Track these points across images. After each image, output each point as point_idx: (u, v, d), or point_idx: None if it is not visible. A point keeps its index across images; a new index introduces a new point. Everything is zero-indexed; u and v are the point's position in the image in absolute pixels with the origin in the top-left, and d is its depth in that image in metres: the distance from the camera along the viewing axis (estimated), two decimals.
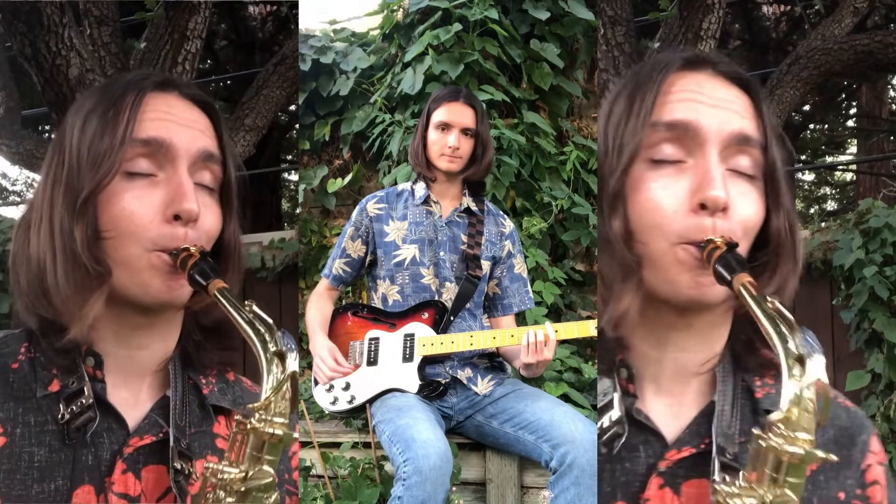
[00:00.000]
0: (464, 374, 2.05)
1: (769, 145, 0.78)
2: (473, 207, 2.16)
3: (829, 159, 9.03)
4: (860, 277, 2.68)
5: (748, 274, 0.70)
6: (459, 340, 2.00)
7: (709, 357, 0.80)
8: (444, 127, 2.09)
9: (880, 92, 7.20)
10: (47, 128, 6.33)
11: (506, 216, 2.26)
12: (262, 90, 3.77)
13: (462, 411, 2.05)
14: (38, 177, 0.86)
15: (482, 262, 2.12)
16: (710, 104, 0.77)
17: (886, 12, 5.48)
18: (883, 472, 0.82)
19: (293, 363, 0.71)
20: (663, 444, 0.79)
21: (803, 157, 8.19)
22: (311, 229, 3.52)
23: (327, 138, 3.57)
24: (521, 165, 3.07)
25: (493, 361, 2.12)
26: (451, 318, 2.09)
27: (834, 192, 9.76)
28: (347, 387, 2.08)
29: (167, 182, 0.81)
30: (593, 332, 1.88)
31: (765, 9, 6.81)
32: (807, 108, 7.50)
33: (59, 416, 0.78)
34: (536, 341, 1.88)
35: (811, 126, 8.33)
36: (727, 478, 0.70)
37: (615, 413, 0.78)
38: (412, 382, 2.02)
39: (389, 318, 2.11)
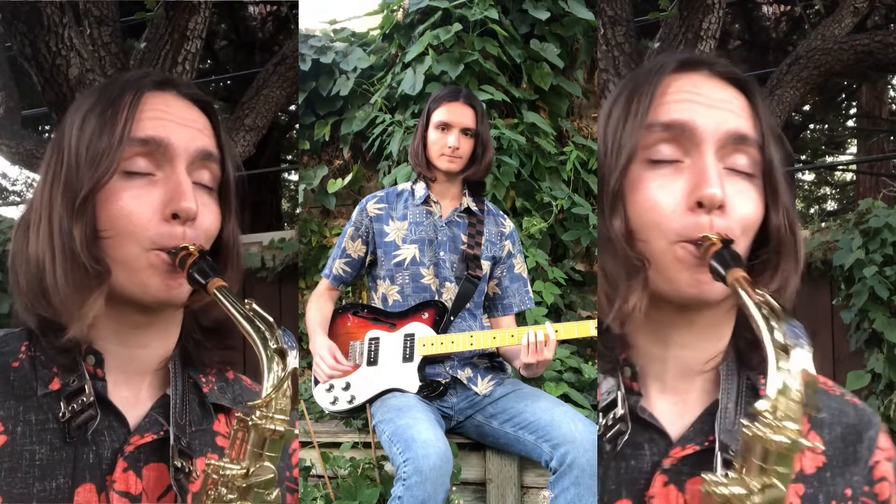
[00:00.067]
0: (464, 374, 2.06)
1: (766, 144, 0.79)
2: (473, 207, 2.16)
3: (829, 159, 9.03)
4: (860, 277, 2.68)
5: (743, 269, 0.70)
6: (459, 340, 2.01)
7: (712, 355, 0.81)
8: (444, 127, 2.09)
9: (880, 92, 7.20)
10: (47, 128, 6.33)
11: (506, 216, 2.26)
12: (262, 90, 3.77)
13: (462, 411, 2.05)
14: (38, 177, 0.86)
15: (482, 262, 2.12)
16: (706, 104, 0.78)
17: (886, 12, 5.48)
18: (891, 468, 0.82)
19: (294, 361, 0.71)
20: (668, 441, 0.79)
21: (803, 157, 8.19)
22: (311, 229, 3.52)
23: (327, 138, 3.57)
24: (521, 165, 3.07)
25: (493, 361, 2.12)
26: (451, 318, 2.09)
27: (834, 192, 9.77)
28: (347, 387, 2.08)
29: (165, 181, 0.81)
30: (593, 332, 1.88)
31: (765, 9, 6.81)
32: (807, 108, 7.50)
33: (60, 414, 0.78)
34: (536, 341, 1.88)
35: (811, 126, 8.33)
36: (729, 474, 0.70)
37: (619, 411, 0.78)
38: (412, 382, 2.02)
39: (389, 318, 2.12)
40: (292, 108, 5.00)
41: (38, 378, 0.80)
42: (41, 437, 0.78)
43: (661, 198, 0.76)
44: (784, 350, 0.64)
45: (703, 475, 0.68)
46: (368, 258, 2.17)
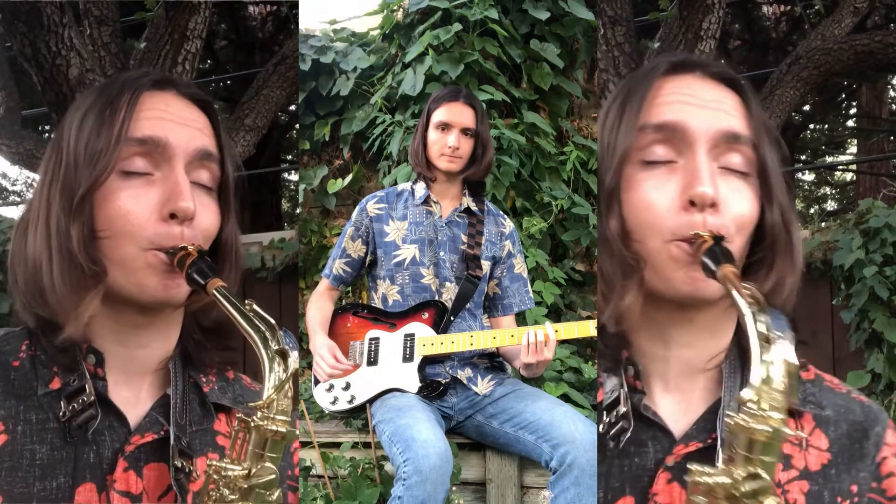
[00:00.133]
0: (464, 374, 2.06)
1: (760, 143, 0.80)
2: (473, 207, 2.16)
3: (829, 159, 9.03)
4: (860, 277, 2.68)
5: (733, 265, 0.71)
6: (459, 340, 2.01)
7: (714, 353, 0.81)
8: (444, 127, 2.09)
9: (880, 92, 7.21)
10: (47, 128, 6.33)
11: (506, 216, 2.26)
12: (262, 90, 3.77)
13: (462, 411, 2.05)
14: (38, 177, 0.86)
15: (482, 262, 2.12)
16: (698, 105, 0.79)
17: (886, 12, 5.49)
18: None
19: (294, 362, 0.71)
20: (671, 439, 0.80)
21: (803, 157, 8.20)
22: (311, 229, 3.52)
23: (327, 138, 3.58)
24: (521, 165, 3.08)
25: (493, 361, 2.13)
26: (452, 318, 2.09)
27: (834, 192, 9.77)
28: (347, 387, 2.08)
29: (163, 181, 0.81)
30: (593, 332, 1.88)
31: (765, 9, 6.81)
32: (807, 108, 7.50)
33: (61, 413, 0.78)
34: (536, 341, 1.88)
35: (811, 126, 8.33)
36: (719, 465, 0.71)
37: (621, 408, 0.79)
38: (412, 382, 2.02)
39: (389, 318, 2.12)
40: (292, 108, 5.00)
41: (38, 377, 0.80)
42: (42, 436, 0.78)
43: (655, 198, 0.77)
44: (767, 341, 0.66)
45: (689, 465, 0.69)
46: (368, 258, 2.17)
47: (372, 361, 2.09)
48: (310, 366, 2.22)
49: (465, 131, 2.09)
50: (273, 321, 0.73)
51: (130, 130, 0.80)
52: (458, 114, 2.09)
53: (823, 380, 0.86)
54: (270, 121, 3.94)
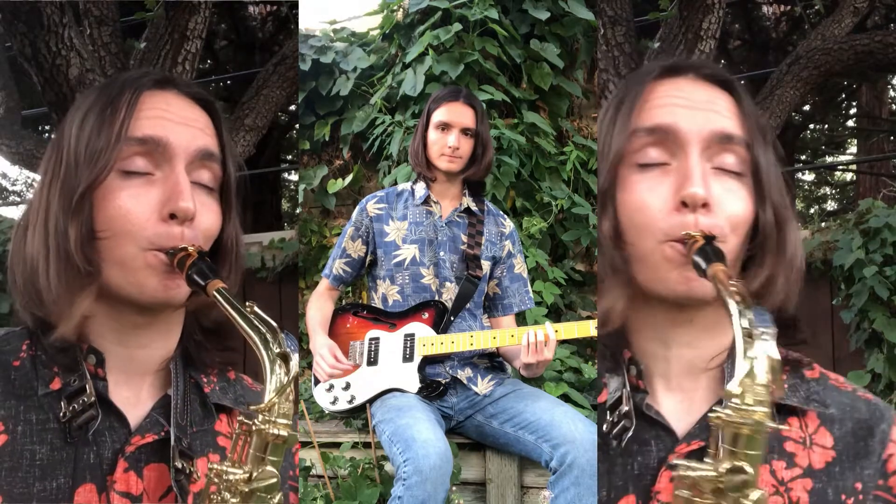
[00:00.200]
0: (464, 374, 2.06)
1: (753, 142, 0.81)
2: (473, 207, 2.16)
3: (829, 159, 9.04)
4: (860, 277, 2.68)
5: (723, 264, 0.72)
6: (459, 340, 2.01)
7: (715, 353, 0.82)
8: (444, 127, 2.09)
9: (880, 92, 7.21)
10: (47, 128, 6.33)
11: (506, 216, 2.26)
12: (262, 90, 3.77)
13: (462, 411, 2.05)
14: (38, 177, 0.86)
15: (482, 262, 2.12)
16: (690, 106, 0.80)
17: (886, 12, 5.49)
18: None
19: (295, 366, 0.71)
20: (674, 438, 0.80)
21: (803, 157, 8.20)
22: (311, 229, 3.53)
23: (327, 138, 3.58)
24: (521, 165, 3.08)
25: (493, 361, 2.13)
26: (452, 318, 2.09)
27: (834, 192, 9.77)
28: (347, 386, 2.08)
29: (164, 181, 0.81)
30: (593, 332, 1.88)
31: (765, 9, 6.81)
32: (807, 108, 7.50)
33: (61, 414, 0.78)
34: (536, 341, 1.88)
35: (811, 126, 8.33)
36: (706, 460, 0.71)
37: (623, 408, 0.80)
38: (412, 382, 2.02)
39: (389, 318, 2.12)
40: (292, 108, 5.00)
41: (38, 377, 0.80)
42: (42, 436, 0.78)
43: (649, 199, 0.78)
44: (751, 337, 0.67)
45: (674, 461, 0.70)
46: (368, 258, 2.17)
47: (372, 361, 2.09)
48: (310, 366, 2.23)
49: (465, 131, 2.09)
50: (274, 324, 0.73)
51: (131, 130, 0.80)
52: (458, 114, 2.09)
53: (829, 378, 0.86)
54: (270, 121, 3.94)
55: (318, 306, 2.19)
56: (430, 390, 2.02)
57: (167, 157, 0.81)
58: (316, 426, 2.19)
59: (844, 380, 0.87)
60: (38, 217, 0.81)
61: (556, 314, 3.08)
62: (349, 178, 3.47)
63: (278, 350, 0.71)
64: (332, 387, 2.09)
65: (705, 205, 0.76)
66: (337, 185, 3.49)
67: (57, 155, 0.82)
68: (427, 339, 2.04)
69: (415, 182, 2.20)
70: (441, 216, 2.14)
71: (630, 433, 0.79)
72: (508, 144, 3.02)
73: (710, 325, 0.81)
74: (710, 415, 0.68)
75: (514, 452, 1.98)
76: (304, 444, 2.08)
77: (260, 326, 0.72)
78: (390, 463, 1.84)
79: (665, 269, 0.77)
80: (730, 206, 0.78)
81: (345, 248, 2.17)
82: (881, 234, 2.70)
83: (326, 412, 2.20)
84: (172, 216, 0.79)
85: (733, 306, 0.68)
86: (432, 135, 2.11)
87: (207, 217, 0.84)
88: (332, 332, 2.16)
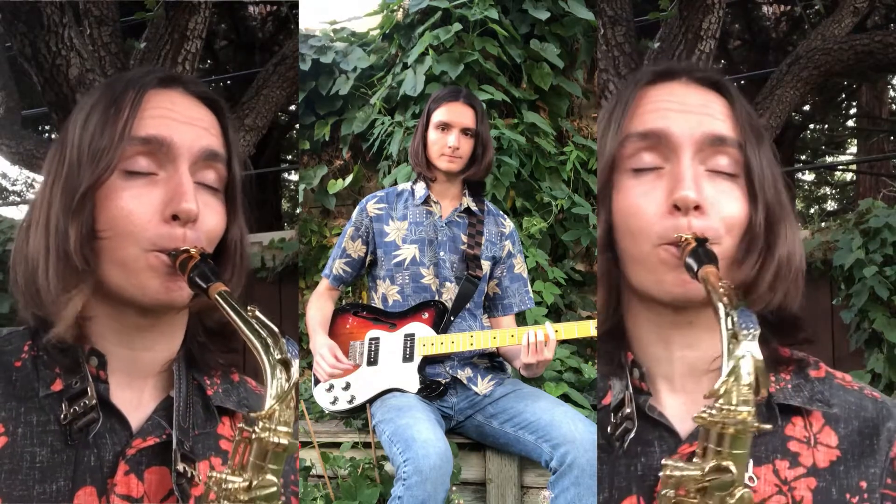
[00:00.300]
0: (464, 374, 2.06)
1: (746, 143, 0.81)
2: (473, 207, 2.16)
3: (829, 159, 9.04)
4: (860, 277, 2.68)
5: (715, 266, 0.73)
6: (459, 340, 2.01)
7: (717, 354, 0.81)
8: (444, 127, 2.09)
9: (880, 92, 7.21)
10: (47, 128, 6.33)
11: (506, 216, 2.26)
12: (262, 90, 3.77)
13: (462, 411, 2.05)
14: (38, 177, 0.86)
15: (482, 262, 2.12)
16: (681, 110, 0.81)
17: (886, 12, 5.49)
18: None
19: (296, 373, 0.70)
20: (677, 439, 0.80)
21: (803, 157, 8.20)
22: (311, 229, 3.52)
23: (327, 138, 3.58)
24: (521, 165, 3.08)
25: (493, 361, 2.13)
26: (452, 318, 2.09)
27: (834, 192, 9.77)
28: (347, 386, 2.08)
29: (167, 181, 0.80)
30: (593, 332, 1.88)
31: (765, 9, 6.81)
32: (807, 108, 7.50)
33: (62, 416, 0.78)
34: (536, 341, 1.88)
35: (811, 126, 8.33)
36: (695, 459, 0.72)
37: (626, 409, 0.80)
38: (412, 382, 2.02)
39: (389, 318, 2.12)
40: (292, 108, 5.00)
41: (39, 379, 0.80)
42: (42, 438, 0.77)
43: (643, 203, 0.79)
44: (735, 337, 0.68)
45: (664, 460, 0.70)
46: (368, 258, 2.17)
47: (372, 361, 2.09)
48: (310, 366, 2.22)
49: (465, 131, 2.09)
50: (276, 328, 0.72)
51: (134, 129, 0.79)
52: (458, 114, 2.09)
53: (834, 377, 0.86)
54: (270, 121, 3.94)
55: (319, 306, 2.19)
56: (430, 390, 2.02)
57: (171, 158, 0.80)
58: (316, 426, 2.19)
59: (852, 378, 0.87)
60: (39, 216, 0.80)
61: (556, 314, 3.08)
62: (349, 179, 3.47)
63: (279, 356, 0.70)
64: (332, 387, 2.09)
65: (698, 207, 0.77)
66: (337, 185, 3.49)
67: (60, 154, 0.81)
68: (427, 339, 2.04)
69: (415, 182, 2.20)
70: (441, 216, 2.14)
71: (632, 434, 0.79)
72: (508, 144, 3.01)
73: (710, 327, 0.81)
74: (694, 415, 0.69)
75: (514, 452, 1.98)
76: (304, 444, 2.08)
77: (261, 331, 0.71)
78: (390, 463, 1.84)
79: (661, 272, 0.78)
80: (724, 208, 0.79)
81: (345, 248, 2.17)
82: (881, 234, 2.70)
83: (326, 412, 2.20)
84: (175, 217, 0.79)
85: (721, 308, 0.69)
86: (432, 135, 2.11)
87: (211, 218, 0.83)
88: (332, 332, 2.16)
